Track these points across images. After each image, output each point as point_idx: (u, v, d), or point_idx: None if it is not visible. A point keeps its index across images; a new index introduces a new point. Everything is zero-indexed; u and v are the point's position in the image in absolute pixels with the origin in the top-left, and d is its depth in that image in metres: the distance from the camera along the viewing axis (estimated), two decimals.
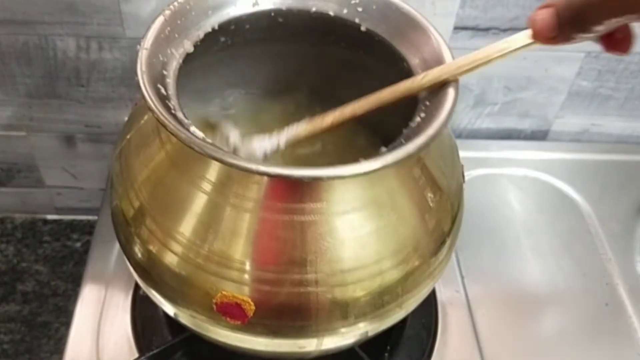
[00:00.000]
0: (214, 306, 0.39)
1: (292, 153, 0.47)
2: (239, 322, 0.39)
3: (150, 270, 0.42)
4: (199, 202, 0.39)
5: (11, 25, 0.64)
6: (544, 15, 0.33)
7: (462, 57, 0.39)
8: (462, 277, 0.63)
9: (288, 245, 0.38)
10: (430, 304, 0.59)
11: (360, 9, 0.46)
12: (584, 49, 0.69)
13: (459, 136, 0.79)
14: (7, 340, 0.91)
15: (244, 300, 0.38)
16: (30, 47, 0.66)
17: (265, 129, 0.45)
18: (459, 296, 0.61)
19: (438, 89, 0.40)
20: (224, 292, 0.38)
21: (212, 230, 0.38)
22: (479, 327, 0.59)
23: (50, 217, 0.87)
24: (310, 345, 0.41)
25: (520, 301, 0.62)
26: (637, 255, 0.67)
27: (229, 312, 0.39)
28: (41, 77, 0.69)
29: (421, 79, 0.40)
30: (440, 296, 0.61)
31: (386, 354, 0.56)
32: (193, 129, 0.36)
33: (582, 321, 0.61)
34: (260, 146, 0.44)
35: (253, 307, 0.38)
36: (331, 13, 0.47)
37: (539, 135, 0.80)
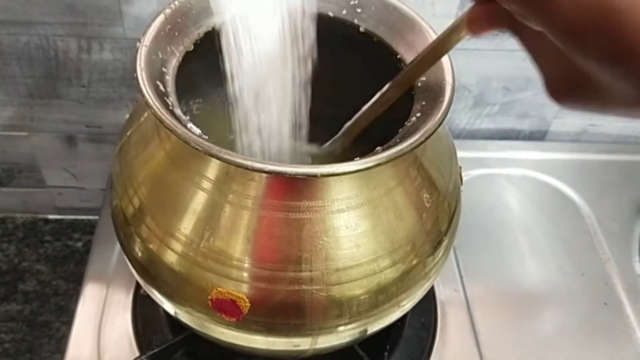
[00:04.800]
0: (209, 302, 0.39)
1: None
2: (234, 319, 0.40)
3: (149, 268, 0.42)
4: (197, 199, 0.39)
5: (12, 26, 0.64)
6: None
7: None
8: (461, 277, 0.63)
9: (283, 243, 0.38)
10: (429, 303, 0.59)
11: (359, 10, 0.47)
12: None
13: (458, 136, 0.79)
14: (8, 340, 0.91)
15: (239, 297, 0.38)
16: (31, 48, 0.66)
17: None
18: (458, 295, 0.61)
19: (436, 87, 0.40)
20: (219, 289, 0.39)
21: (209, 228, 0.39)
22: (478, 327, 0.59)
23: (51, 217, 0.87)
24: (304, 343, 0.41)
25: (519, 300, 0.62)
26: (636, 255, 0.67)
27: (224, 309, 0.39)
28: (42, 77, 0.69)
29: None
30: (440, 295, 0.61)
31: (385, 353, 0.56)
32: (190, 125, 0.36)
33: (581, 320, 0.61)
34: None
35: (248, 304, 0.38)
36: (330, 14, 0.47)
37: (537, 136, 0.80)
